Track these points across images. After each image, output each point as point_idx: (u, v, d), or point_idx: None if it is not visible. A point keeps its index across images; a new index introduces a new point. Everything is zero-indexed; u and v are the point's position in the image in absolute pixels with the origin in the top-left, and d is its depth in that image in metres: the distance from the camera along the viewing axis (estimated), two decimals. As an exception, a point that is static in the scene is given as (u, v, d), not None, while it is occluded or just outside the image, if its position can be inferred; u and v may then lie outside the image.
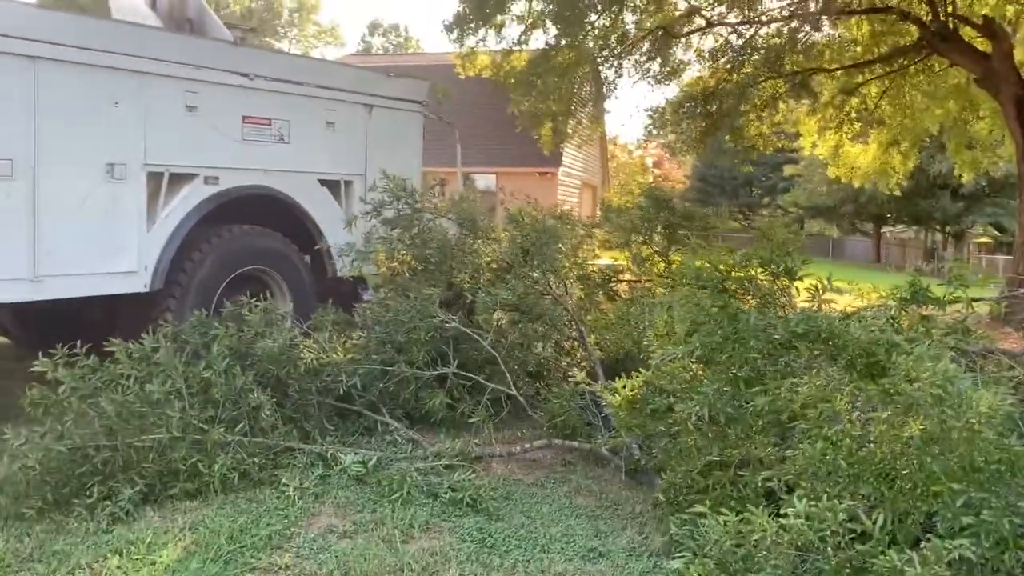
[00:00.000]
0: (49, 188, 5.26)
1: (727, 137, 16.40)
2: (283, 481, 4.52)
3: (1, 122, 5.05)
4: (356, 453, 4.90)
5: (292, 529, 4.06)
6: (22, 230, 5.15)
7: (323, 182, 7.19)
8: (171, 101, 5.95)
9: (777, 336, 3.76)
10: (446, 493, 4.41)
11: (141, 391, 4.48)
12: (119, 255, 5.70)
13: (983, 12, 13.31)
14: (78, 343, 4.60)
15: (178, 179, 6.05)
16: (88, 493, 4.14)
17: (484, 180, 24.10)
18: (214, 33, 7.51)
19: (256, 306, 5.51)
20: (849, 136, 16.79)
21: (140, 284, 5.82)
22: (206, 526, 4.02)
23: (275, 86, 6.65)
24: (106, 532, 3.95)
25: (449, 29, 14.16)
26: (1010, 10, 13.69)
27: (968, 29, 13.16)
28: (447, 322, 5.66)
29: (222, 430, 4.55)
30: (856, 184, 20.23)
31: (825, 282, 3.85)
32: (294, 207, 6.88)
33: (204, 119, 6.16)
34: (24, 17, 5.20)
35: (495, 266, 6.57)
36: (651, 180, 42.24)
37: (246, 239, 6.54)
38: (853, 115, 15.91)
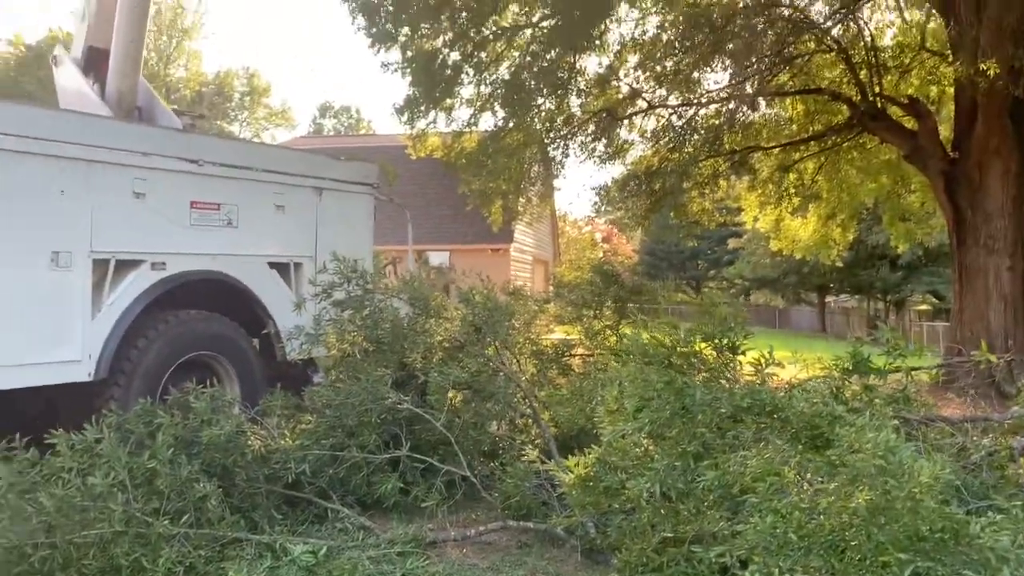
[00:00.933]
0: (-10, 277, 5.17)
1: (672, 213, 16.88)
2: (230, 574, 4.38)
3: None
4: (306, 542, 4.78)
5: (239, 625, 3.92)
6: (-39, 320, 5.04)
7: (272, 265, 7.17)
8: (119, 189, 5.94)
9: (723, 410, 3.82)
10: (399, 581, 4.31)
11: (83, 484, 4.32)
12: (62, 344, 5.58)
13: (908, 92, 14.08)
14: (17, 436, 4.45)
15: (124, 266, 5.99)
16: (24, 594, 3.96)
17: (438, 257, 24.34)
18: (163, 120, 7.57)
19: (203, 393, 5.40)
20: (789, 210, 17.38)
21: (84, 373, 5.69)
22: (149, 625, 3.86)
23: (224, 171, 6.69)
24: (42, 636, 3.78)
25: (400, 112, 14.45)
26: (933, 91, 14.52)
27: (896, 108, 13.87)
28: (399, 403, 5.61)
29: (167, 522, 4.41)
30: (798, 256, 20.83)
31: (768, 355, 3.94)
32: (243, 291, 6.84)
33: (152, 205, 6.15)
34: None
35: (447, 345, 6.57)
36: (601, 255, 42.89)
37: (193, 324, 6.47)
38: (791, 190, 16.51)
